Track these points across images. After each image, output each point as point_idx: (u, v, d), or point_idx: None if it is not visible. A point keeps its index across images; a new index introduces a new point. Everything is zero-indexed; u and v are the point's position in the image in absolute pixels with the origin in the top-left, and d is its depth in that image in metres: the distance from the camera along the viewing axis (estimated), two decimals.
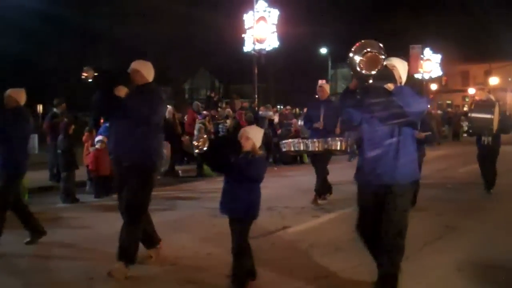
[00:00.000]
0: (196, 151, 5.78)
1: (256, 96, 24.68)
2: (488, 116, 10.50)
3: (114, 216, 9.41)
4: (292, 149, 9.92)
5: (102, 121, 14.28)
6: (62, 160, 11.25)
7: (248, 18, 25.58)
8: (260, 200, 5.53)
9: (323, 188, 10.52)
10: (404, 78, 5.24)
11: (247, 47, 25.71)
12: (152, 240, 6.64)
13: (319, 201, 10.37)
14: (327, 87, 10.73)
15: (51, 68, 39.47)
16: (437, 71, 45.25)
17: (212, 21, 34.86)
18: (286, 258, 6.71)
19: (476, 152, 11.77)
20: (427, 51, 43.39)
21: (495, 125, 10.67)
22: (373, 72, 4.78)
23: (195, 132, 16.00)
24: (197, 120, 16.81)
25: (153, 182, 6.32)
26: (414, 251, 6.98)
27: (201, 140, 5.64)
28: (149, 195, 6.24)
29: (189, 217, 9.22)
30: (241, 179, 5.41)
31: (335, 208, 9.99)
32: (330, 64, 51.20)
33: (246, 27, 25.67)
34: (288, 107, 25.37)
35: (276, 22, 25.44)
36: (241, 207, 5.40)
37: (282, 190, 11.94)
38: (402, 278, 5.21)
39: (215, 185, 14.14)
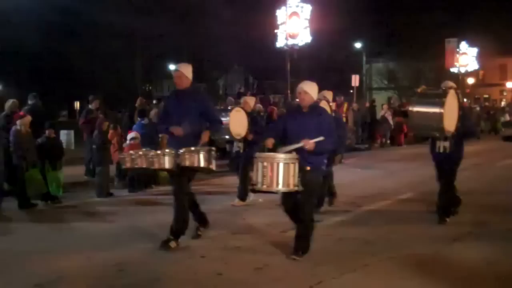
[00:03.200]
0: None
1: (289, 91, 24.69)
2: (436, 110, 7.49)
3: (147, 210, 9.62)
4: (134, 165, 6.90)
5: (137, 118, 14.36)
6: (97, 156, 11.48)
7: (281, 14, 25.58)
8: None
9: (179, 226, 6.95)
10: None
11: (280, 43, 25.73)
12: None
13: (173, 244, 6.87)
14: (187, 71, 7.15)
15: (88, 66, 40.28)
16: (473, 65, 44.46)
17: (245, 17, 35.02)
18: (314, 252, 6.73)
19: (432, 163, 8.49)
20: (463, 45, 42.65)
21: (449, 123, 7.58)
22: None
23: None
24: None
25: None
26: (444, 245, 6.98)
27: None
28: None
29: (220, 212, 9.31)
30: None
31: (366, 203, 9.99)
32: (364, 58, 50.78)
33: (278, 22, 25.69)
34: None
35: (308, 17, 25.40)
36: None
37: None
38: (433, 271, 5.20)
39: None
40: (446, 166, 8.15)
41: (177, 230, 6.91)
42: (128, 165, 6.94)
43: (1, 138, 10.11)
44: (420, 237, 7.46)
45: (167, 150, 6.70)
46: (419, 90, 8.17)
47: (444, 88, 7.86)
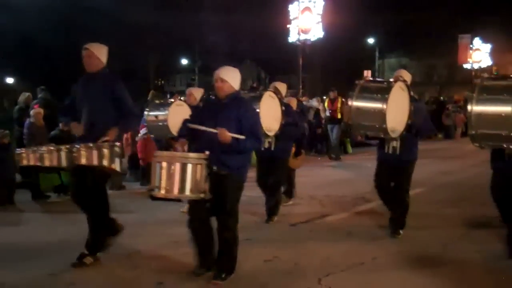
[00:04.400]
0: None
1: (300, 86, 24.74)
2: (378, 105, 6.16)
3: (158, 203, 9.69)
4: (29, 161, 5.83)
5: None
6: None
7: (293, 9, 25.64)
8: None
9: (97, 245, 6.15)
10: None
11: (292, 38, 25.79)
12: None
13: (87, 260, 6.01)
14: (99, 51, 6.10)
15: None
16: (486, 61, 44.23)
17: (257, 12, 35.07)
18: (323, 245, 6.79)
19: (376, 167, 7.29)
20: (477, 41, 42.45)
21: (396, 121, 6.37)
22: None
23: None
24: None
25: None
26: (453, 240, 7.02)
27: None
28: None
29: None
30: None
31: (375, 198, 9.99)
32: (377, 54, 50.66)
33: (291, 17, 25.74)
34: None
35: (321, 12, 25.43)
36: None
37: (323, 179, 12.00)
38: (440, 265, 5.23)
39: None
40: (395, 171, 6.99)
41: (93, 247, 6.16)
42: (24, 162, 5.88)
43: (15, 130, 10.25)
44: (428, 232, 7.47)
45: (62, 146, 5.72)
46: (360, 82, 6.57)
47: (389, 81, 6.60)
